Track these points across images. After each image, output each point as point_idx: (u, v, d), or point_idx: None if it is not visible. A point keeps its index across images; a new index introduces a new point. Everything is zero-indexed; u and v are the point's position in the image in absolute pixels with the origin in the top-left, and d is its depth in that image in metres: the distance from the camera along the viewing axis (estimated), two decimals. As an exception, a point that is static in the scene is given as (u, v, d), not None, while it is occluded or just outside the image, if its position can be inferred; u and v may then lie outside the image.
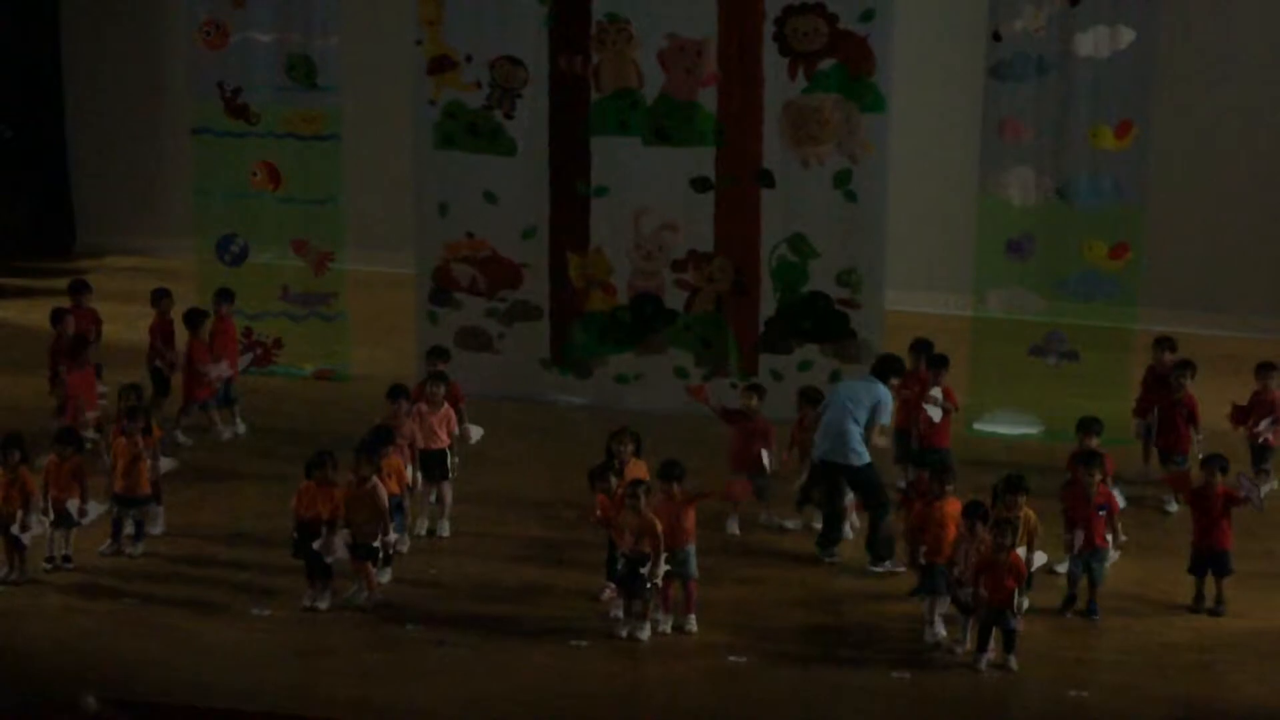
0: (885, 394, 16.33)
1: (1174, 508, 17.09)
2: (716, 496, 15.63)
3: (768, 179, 19.09)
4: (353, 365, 20.56)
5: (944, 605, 14.79)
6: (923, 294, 22.07)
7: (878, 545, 15.99)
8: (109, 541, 16.08)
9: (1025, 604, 14.57)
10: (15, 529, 15.42)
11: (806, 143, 18.90)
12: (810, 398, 16.94)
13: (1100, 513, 15.15)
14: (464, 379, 18.00)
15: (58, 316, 18.78)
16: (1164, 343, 17.97)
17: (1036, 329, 18.84)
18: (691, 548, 14.94)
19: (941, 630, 14.75)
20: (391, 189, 21.97)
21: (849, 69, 18.67)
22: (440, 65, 19.44)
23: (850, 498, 16.48)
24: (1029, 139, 18.46)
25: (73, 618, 15.08)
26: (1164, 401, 17.43)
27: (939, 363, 17.57)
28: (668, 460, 15.07)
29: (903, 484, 17.09)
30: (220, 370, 18.74)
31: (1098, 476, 15.24)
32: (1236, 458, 16.35)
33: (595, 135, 19.30)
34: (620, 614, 14.90)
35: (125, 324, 20.48)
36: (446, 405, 16.75)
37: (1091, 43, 18.17)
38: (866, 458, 16.13)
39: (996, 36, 18.37)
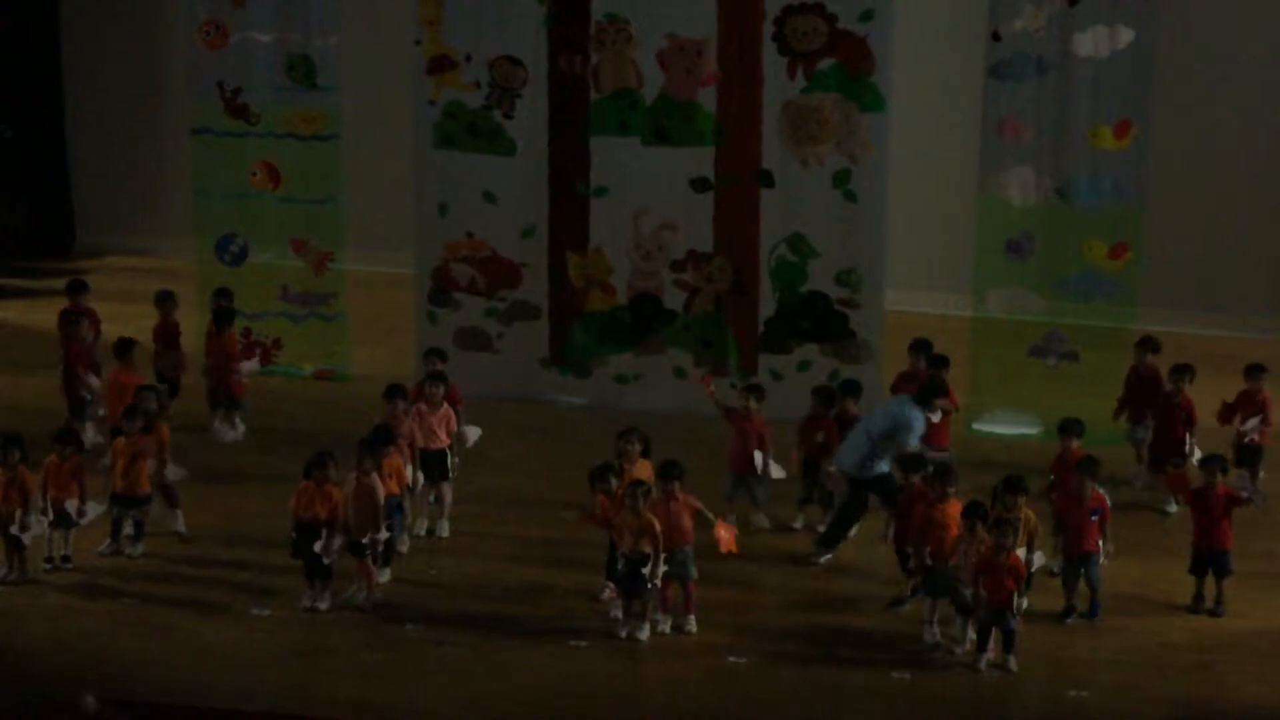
0: (912, 417, 16.11)
1: (1173, 508, 17.08)
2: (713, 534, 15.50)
3: (767, 179, 19.09)
4: (352, 365, 20.56)
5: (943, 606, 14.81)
6: (922, 294, 22.07)
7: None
8: (108, 542, 16.07)
9: (1025, 604, 14.57)
10: (15, 529, 15.42)
11: (806, 142, 18.90)
12: (824, 397, 16.92)
13: (1093, 518, 15.13)
14: (463, 379, 18.01)
15: (73, 318, 18.72)
16: (1147, 343, 17.95)
17: (1036, 329, 18.85)
18: (690, 548, 14.94)
19: (938, 631, 14.75)
20: (391, 189, 21.98)
21: (848, 69, 18.67)
22: (440, 65, 19.44)
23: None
24: (1029, 139, 18.46)
25: (72, 618, 15.08)
26: (1160, 405, 17.42)
27: (939, 363, 17.57)
28: (667, 460, 15.07)
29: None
30: (253, 366, 18.82)
31: (1090, 482, 15.20)
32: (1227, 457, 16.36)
33: (595, 135, 19.31)
34: (620, 614, 14.90)
35: (125, 324, 20.41)
36: (446, 405, 16.75)
37: (1091, 42, 18.17)
38: (878, 470, 16.08)
39: (996, 36, 18.38)
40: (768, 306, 19.35)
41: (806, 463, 16.86)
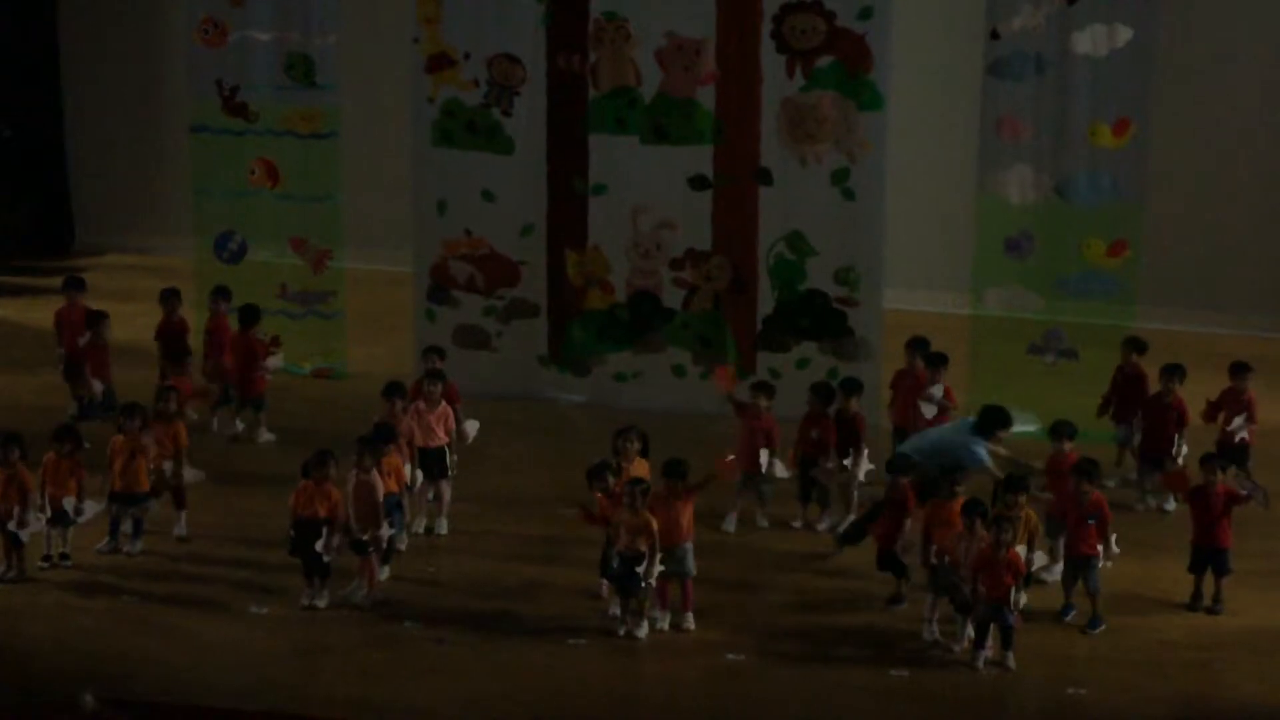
0: (975, 453, 16.03)
1: (1171, 506, 17.09)
2: (714, 477, 15.46)
3: (766, 177, 19.09)
4: (351, 363, 20.57)
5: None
6: (921, 292, 22.10)
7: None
8: (106, 540, 16.07)
9: (1023, 601, 14.57)
10: (13, 526, 15.41)
11: (804, 141, 18.91)
12: (821, 394, 16.93)
13: (1090, 521, 15.12)
14: (462, 377, 18.01)
15: (95, 318, 18.72)
16: (1132, 343, 17.95)
17: (1035, 327, 18.85)
18: (689, 545, 14.94)
19: (937, 628, 14.75)
20: (390, 187, 22.00)
21: (847, 67, 18.68)
22: (438, 63, 19.46)
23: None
24: (1027, 137, 18.46)
25: (71, 616, 15.07)
26: (1150, 405, 17.42)
27: (939, 361, 17.59)
28: (673, 459, 15.05)
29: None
30: (276, 363, 18.87)
31: (1087, 485, 15.18)
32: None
33: (593, 133, 19.32)
34: (618, 612, 14.91)
35: (124, 322, 20.45)
36: (444, 403, 16.75)
37: (1089, 41, 18.18)
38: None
39: (995, 35, 18.38)
40: (766, 305, 19.36)
41: (804, 461, 16.86)
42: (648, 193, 19.35)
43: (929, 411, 17.26)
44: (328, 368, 20.56)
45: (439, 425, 16.64)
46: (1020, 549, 14.60)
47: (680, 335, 19.58)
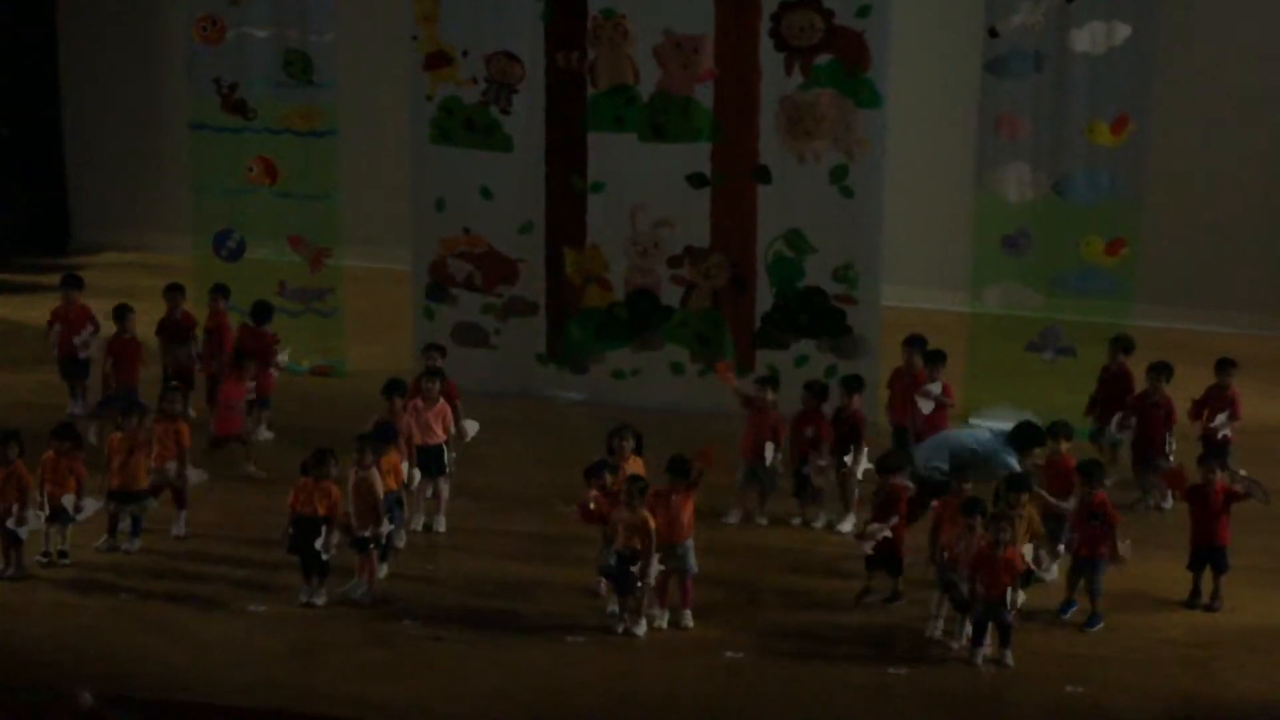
0: (1006, 462, 16.03)
1: (1169, 504, 17.09)
2: (708, 460, 15.41)
3: (764, 175, 19.09)
4: (349, 361, 20.56)
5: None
6: (919, 290, 22.09)
7: None
8: (105, 537, 16.07)
9: (1022, 599, 14.57)
10: (12, 523, 15.41)
11: (803, 138, 18.91)
12: (815, 392, 16.93)
13: (1092, 521, 15.12)
14: (460, 375, 18.01)
15: (121, 313, 18.70)
16: (1119, 342, 17.93)
17: (1033, 325, 18.86)
18: (689, 543, 14.94)
19: (941, 625, 14.75)
20: (388, 185, 21.99)
21: (845, 64, 18.67)
22: (437, 61, 19.45)
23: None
24: (1025, 135, 18.47)
25: (69, 614, 15.07)
26: (1139, 404, 17.43)
27: (937, 358, 17.59)
28: (677, 456, 15.03)
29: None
30: (283, 359, 19.02)
31: (1088, 488, 15.16)
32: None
33: (591, 131, 19.32)
34: (616, 609, 14.90)
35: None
36: (442, 401, 16.75)
37: (1088, 38, 18.19)
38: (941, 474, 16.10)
39: (993, 32, 18.39)
40: (764, 302, 19.36)
41: (800, 459, 16.86)
42: (646, 191, 19.35)
43: (926, 407, 17.26)
44: (326, 365, 20.55)
45: (437, 423, 16.64)
46: (1027, 548, 14.61)
47: (679, 333, 19.58)
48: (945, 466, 15.95)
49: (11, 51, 25.14)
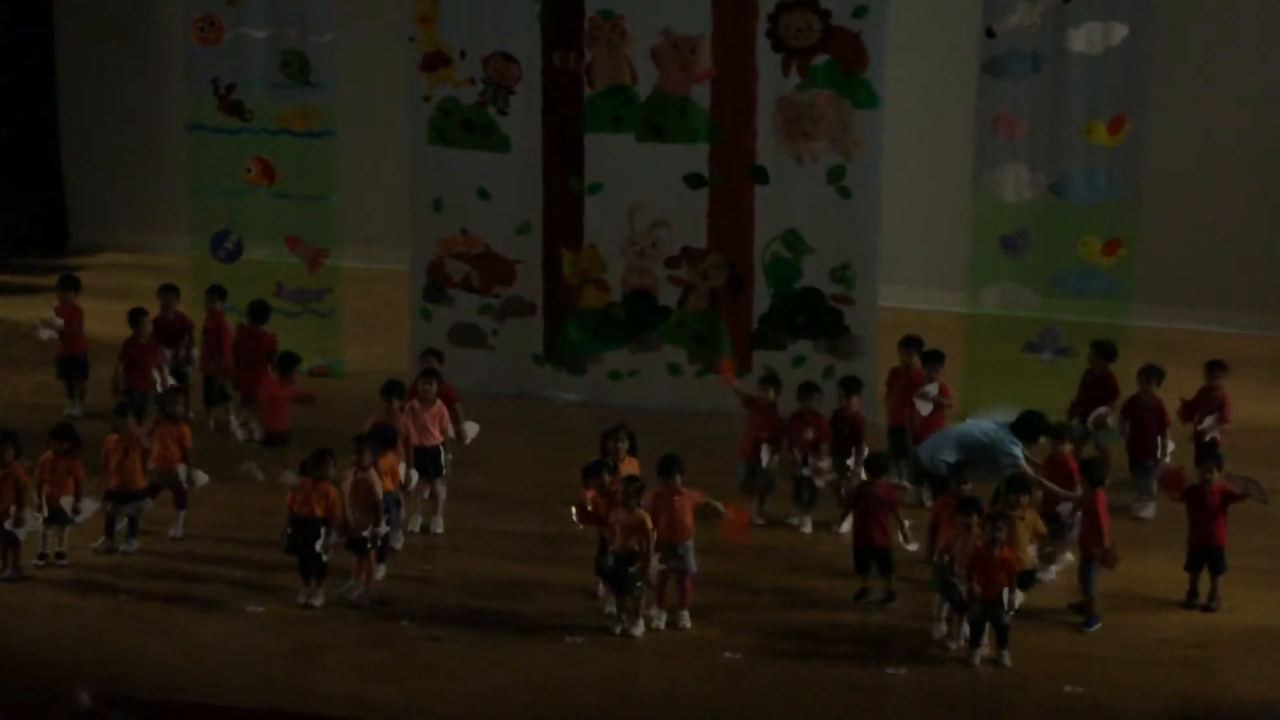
0: (1011, 451, 16.07)
1: (1149, 514, 17.06)
2: (723, 520, 15.51)
3: (761, 175, 19.09)
4: (347, 362, 20.56)
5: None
6: (917, 290, 22.07)
7: None
8: (103, 539, 16.06)
9: (1020, 599, 14.56)
10: (9, 524, 15.40)
11: (800, 139, 18.91)
12: (809, 394, 16.93)
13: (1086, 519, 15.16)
14: (458, 375, 18.00)
15: (136, 317, 18.71)
16: (1099, 346, 17.91)
17: (1031, 325, 18.86)
18: (690, 543, 14.94)
19: (945, 627, 14.75)
20: (386, 186, 21.98)
21: (842, 65, 18.68)
22: (434, 62, 19.45)
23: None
24: (1023, 135, 18.47)
25: (67, 615, 15.07)
26: (1131, 408, 17.43)
27: (935, 358, 17.60)
28: (667, 455, 15.05)
29: (895, 481, 17.15)
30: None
31: (1088, 487, 15.22)
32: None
33: (589, 132, 19.31)
34: (614, 611, 14.90)
35: (120, 322, 20.43)
36: (439, 402, 16.75)
37: (1085, 38, 18.19)
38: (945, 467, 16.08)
39: (990, 33, 18.39)
40: (762, 303, 19.36)
41: (801, 461, 16.86)
42: (644, 191, 19.34)
43: (925, 409, 17.26)
44: (324, 366, 20.54)
45: (434, 425, 16.64)
46: (1031, 548, 14.62)
47: (676, 334, 19.58)
48: (952, 459, 15.97)
49: (9, 52, 25.14)
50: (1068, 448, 16.09)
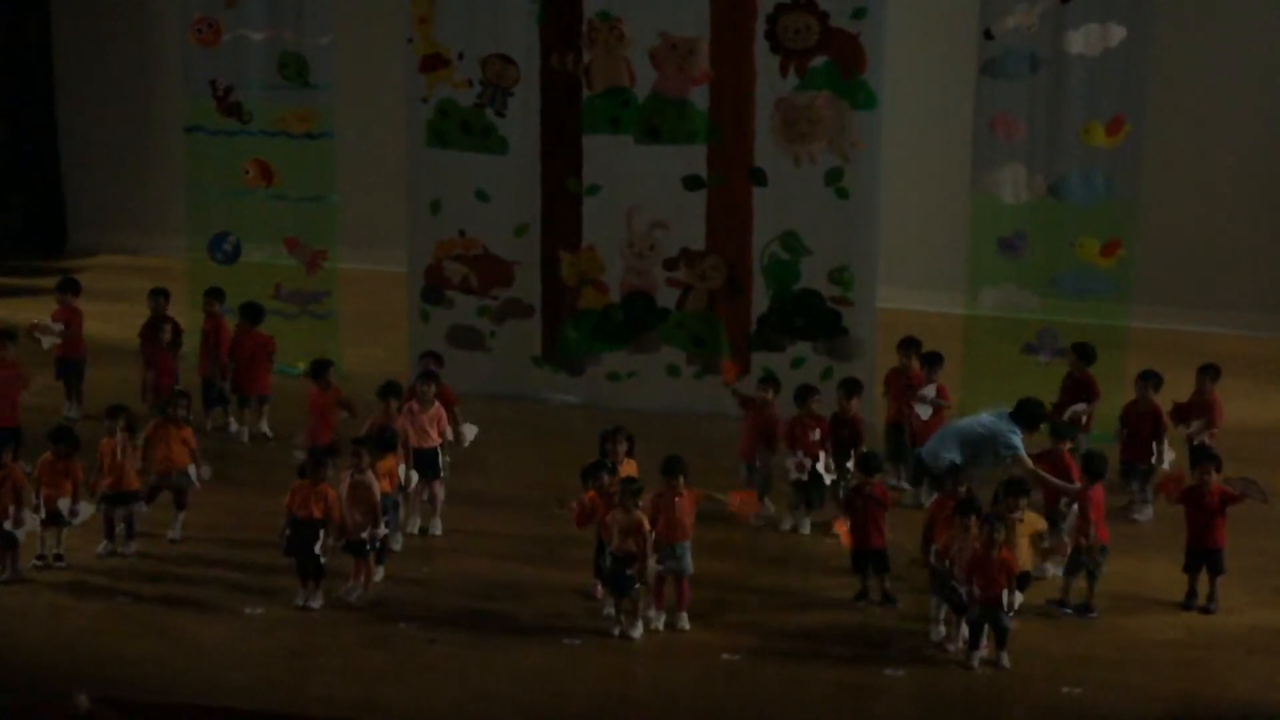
0: (1010, 443, 16.11)
1: (1146, 516, 17.06)
2: (728, 504, 15.53)
3: (760, 177, 19.09)
4: (345, 363, 20.53)
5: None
6: (915, 291, 22.07)
7: None
8: (104, 543, 16.03)
9: (1019, 600, 14.56)
10: (8, 524, 15.38)
11: (798, 140, 18.91)
12: (803, 396, 16.93)
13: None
14: (456, 377, 17.99)
15: (156, 323, 18.72)
16: (1079, 348, 17.90)
17: (1029, 326, 18.86)
18: (688, 544, 14.94)
19: (944, 629, 14.75)
20: (384, 187, 21.98)
21: (840, 67, 18.68)
22: (432, 63, 19.44)
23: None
24: (1021, 136, 18.46)
25: (65, 617, 15.06)
26: (1128, 413, 17.42)
27: (933, 360, 17.60)
28: (671, 456, 15.05)
29: (893, 482, 17.16)
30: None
31: (1090, 480, 15.30)
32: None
33: (587, 133, 19.31)
34: (613, 612, 14.90)
35: (118, 323, 20.48)
36: (437, 404, 16.75)
37: (1083, 40, 18.19)
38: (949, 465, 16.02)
39: (988, 34, 18.38)
40: (760, 304, 19.36)
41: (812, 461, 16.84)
42: (642, 193, 19.34)
43: (925, 413, 17.26)
44: (322, 368, 20.52)
45: (432, 426, 16.64)
46: (1037, 545, 14.67)
47: (675, 335, 19.58)
48: (955, 455, 15.99)
49: (7, 53, 25.13)
50: (1067, 445, 16.11)
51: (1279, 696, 14.10)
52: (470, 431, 17.27)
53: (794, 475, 16.70)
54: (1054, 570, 15.48)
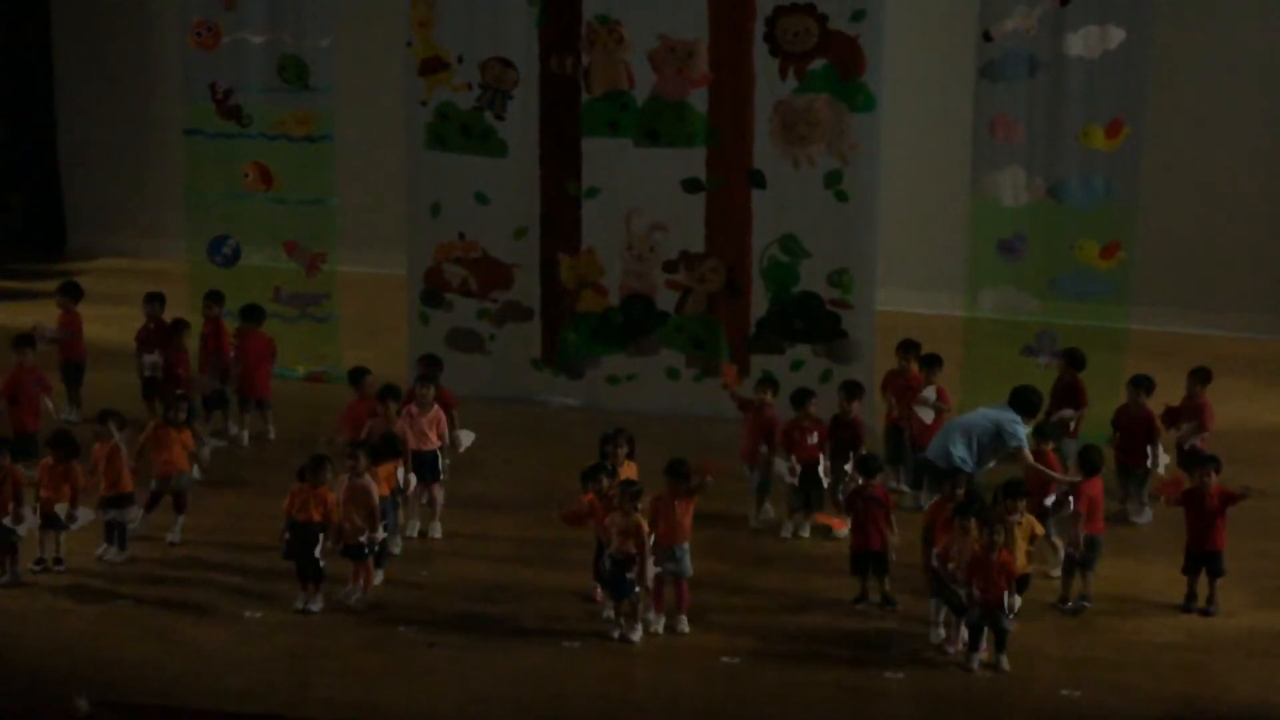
0: (1014, 432, 16.18)
1: (1145, 519, 17.07)
2: (708, 474, 15.46)
3: (759, 179, 19.09)
4: (344, 367, 20.51)
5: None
6: (915, 294, 22.07)
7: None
8: (104, 546, 16.02)
9: (1018, 603, 14.56)
10: (9, 521, 15.37)
11: (797, 143, 18.91)
12: (801, 398, 16.94)
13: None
14: (455, 380, 17.99)
15: (177, 328, 18.76)
16: (1069, 353, 17.90)
17: (1028, 329, 18.86)
18: (687, 545, 14.94)
19: (944, 631, 14.75)
20: (383, 190, 21.98)
21: (839, 69, 18.68)
22: (431, 66, 19.44)
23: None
24: (1020, 139, 18.46)
25: (64, 620, 15.06)
26: (1120, 417, 17.43)
27: (933, 362, 17.61)
28: (676, 459, 15.04)
29: (892, 485, 17.15)
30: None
31: (1088, 473, 15.37)
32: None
33: (586, 136, 19.31)
34: (612, 614, 14.90)
35: (117, 326, 20.47)
36: (436, 407, 16.75)
37: (1082, 42, 18.19)
38: (964, 468, 16.07)
39: (987, 36, 18.39)
40: (760, 307, 19.36)
41: (804, 465, 16.84)
42: (641, 195, 19.34)
43: (927, 417, 17.25)
44: (321, 371, 20.54)
45: (431, 429, 16.64)
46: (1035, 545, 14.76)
47: (674, 338, 19.58)
48: (965, 452, 16.00)
49: (7, 55, 25.13)
50: (1050, 446, 16.17)
51: (1279, 699, 14.10)
52: (467, 438, 17.23)
53: (787, 479, 16.71)
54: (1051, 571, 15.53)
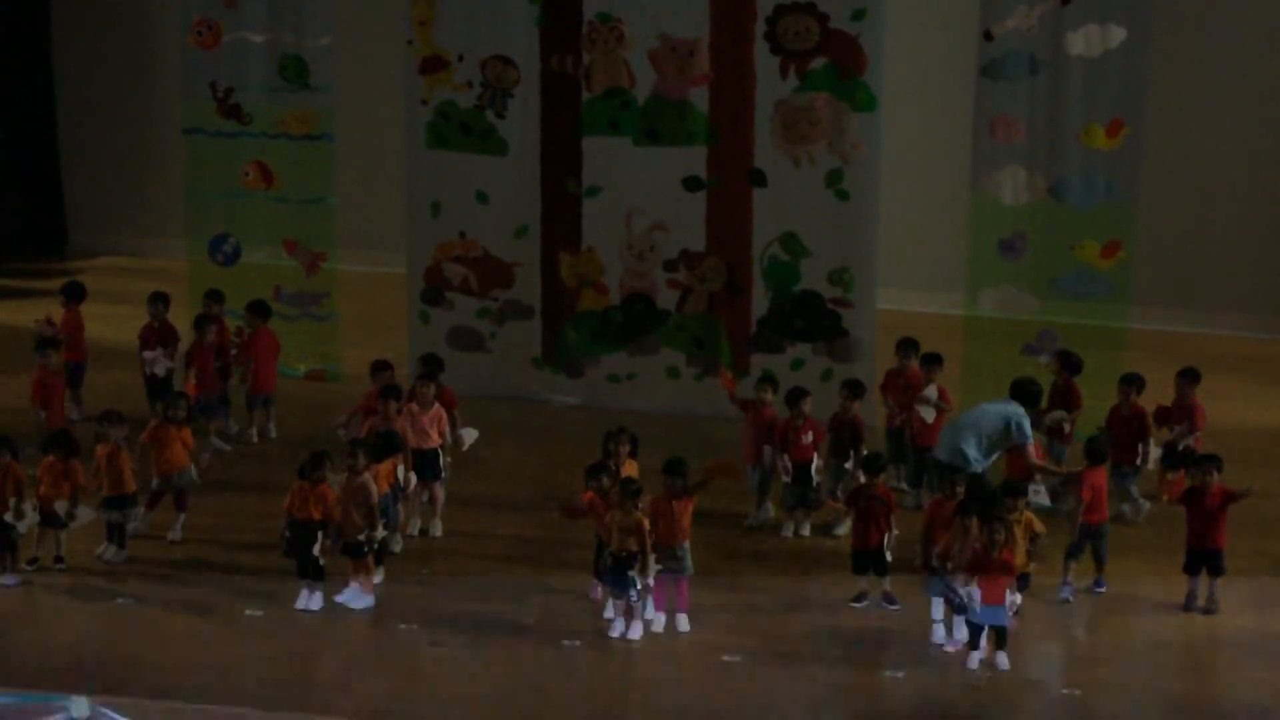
0: (1021, 427, 16.32)
1: (1140, 518, 17.07)
2: (712, 476, 15.49)
3: (759, 178, 19.09)
4: (345, 365, 20.55)
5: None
6: (915, 293, 22.07)
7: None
8: (105, 545, 16.01)
9: (1019, 601, 14.56)
10: (9, 516, 15.37)
11: (798, 142, 18.92)
12: (795, 397, 16.93)
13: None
14: (456, 379, 17.99)
15: (201, 322, 18.74)
16: (1064, 356, 17.90)
17: (1028, 328, 18.87)
18: (687, 545, 14.94)
19: (943, 632, 14.74)
20: (384, 189, 21.98)
21: (840, 68, 18.68)
22: (432, 65, 19.45)
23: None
24: (1020, 138, 18.47)
25: (65, 619, 15.06)
26: (1112, 417, 17.44)
27: (933, 361, 17.61)
28: (674, 458, 15.05)
29: (893, 483, 17.15)
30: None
31: (1092, 462, 15.56)
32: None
33: (587, 135, 19.31)
34: (612, 613, 14.89)
35: (118, 325, 20.48)
36: (437, 405, 16.75)
37: (1083, 41, 18.20)
38: (977, 467, 16.09)
39: (988, 35, 18.39)
40: (760, 306, 19.36)
41: (798, 466, 16.84)
42: (642, 194, 19.34)
43: (929, 416, 17.25)
44: (321, 370, 20.54)
45: (432, 427, 16.64)
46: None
47: (674, 337, 19.58)
48: (973, 449, 16.01)
49: (7, 55, 25.12)
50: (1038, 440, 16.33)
51: (1279, 699, 14.09)
52: (470, 436, 17.25)
53: (785, 478, 16.72)
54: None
